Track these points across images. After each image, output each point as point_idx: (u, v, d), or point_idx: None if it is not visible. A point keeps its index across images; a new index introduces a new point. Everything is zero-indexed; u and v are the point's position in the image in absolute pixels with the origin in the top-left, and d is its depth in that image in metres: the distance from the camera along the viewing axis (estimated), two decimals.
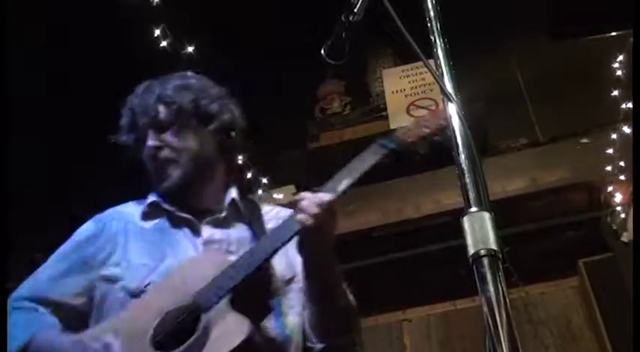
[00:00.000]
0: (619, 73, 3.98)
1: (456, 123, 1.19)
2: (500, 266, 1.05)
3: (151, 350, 1.61)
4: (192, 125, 1.93)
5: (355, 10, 1.52)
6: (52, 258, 1.90)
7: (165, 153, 1.90)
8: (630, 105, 3.95)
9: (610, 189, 4.31)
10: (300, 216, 1.67)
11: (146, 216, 1.93)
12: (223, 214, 1.92)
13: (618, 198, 4.27)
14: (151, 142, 1.90)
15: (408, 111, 4.81)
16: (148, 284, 1.76)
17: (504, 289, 1.02)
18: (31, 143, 4.40)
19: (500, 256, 1.05)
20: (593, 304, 4.32)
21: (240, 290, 1.66)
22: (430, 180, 4.59)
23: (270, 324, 1.75)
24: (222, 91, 2.06)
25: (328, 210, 1.68)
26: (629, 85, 3.93)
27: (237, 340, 1.57)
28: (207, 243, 1.86)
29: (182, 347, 1.59)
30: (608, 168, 4.21)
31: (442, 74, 1.28)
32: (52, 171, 4.62)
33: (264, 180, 4.08)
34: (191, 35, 3.41)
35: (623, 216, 4.20)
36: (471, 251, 1.06)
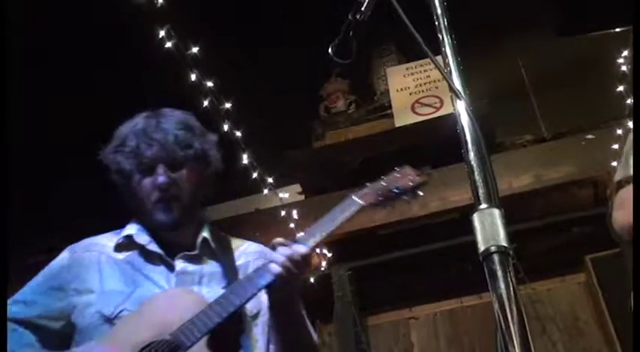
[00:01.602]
0: (624, 68, 3.97)
1: (464, 120, 1.19)
2: (511, 263, 1.05)
3: None
4: (197, 169, 2.07)
5: (362, 9, 1.52)
6: (28, 285, 1.99)
7: (174, 190, 2.02)
8: None
9: None
10: (273, 267, 1.80)
11: (119, 247, 2.04)
12: (195, 251, 2.04)
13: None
14: (163, 178, 2.00)
15: (412, 109, 4.81)
16: (122, 311, 1.87)
17: (515, 285, 1.03)
18: (32, 145, 4.41)
19: (511, 253, 1.05)
20: (600, 300, 4.31)
21: (216, 330, 1.77)
22: (436, 178, 4.58)
23: None
24: (214, 137, 2.21)
25: (300, 263, 1.82)
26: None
27: None
28: (180, 274, 1.98)
29: None
30: (614, 163, 4.20)
31: (450, 71, 1.28)
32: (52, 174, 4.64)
33: (270, 180, 4.08)
34: (196, 36, 3.41)
35: None
36: (482, 248, 1.06)
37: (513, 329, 0.98)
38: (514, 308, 1.00)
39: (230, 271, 2.01)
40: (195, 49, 3.37)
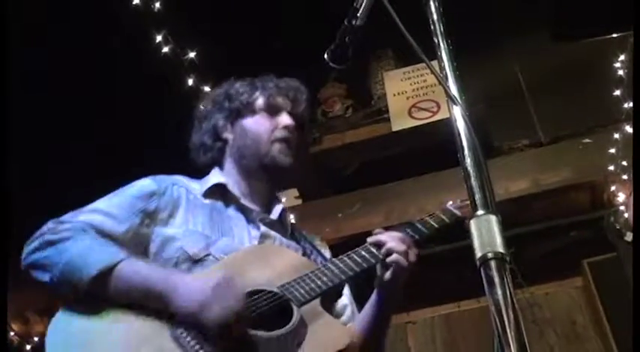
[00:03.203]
0: (621, 72, 3.98)
1: (461, 126, 1.19)
2: (508, 269, 1.05)
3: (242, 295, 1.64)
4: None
5: (358, 15, 1.52)
6: (112, 200, 1.87)
7: (294, 138, 2.03)
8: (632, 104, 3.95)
9: (613, 188, 4.31)
10: (385, 250, 1.82)
11: (208, 193, 1.98)
12: (275, 217, 2.02)
13: (621, 197, 4.26)
14: (290, 121, 2.03)
15: (409, 114, 4.81)
16: (207, 255, 1.80)
17: (512, 292, 1.02)
18: (33, 148, 4.40)
19: (508, 259, 1.05)
20: (597, 304, 4.31)
21: (327, 293, 1.79)
22: (433, 182, 4.59)
23: None
24: None
25: (413, 249, 1.85)
26: (630, 84, 3.93)
27: (341, 343, 1.68)
28: (264, 236, 1.94)
29: (282, 331, 1.63)
30: (611, 167, 4.21)
31: (446, 76, 1.27)
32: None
33: None
34: (192, 40, 3.41)
35: (626, 215, 4.20)
36: (478, 254, 1.05)
37: (510, 336, 0.98)
38: (511, 315, 1.00)
39: (303, 247, 2.02)
40: (192, 54, 3.37)
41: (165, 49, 3.30)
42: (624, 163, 4.13)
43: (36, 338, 5.24)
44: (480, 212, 1.09)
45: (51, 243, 1.69)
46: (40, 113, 4.41)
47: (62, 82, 4.38)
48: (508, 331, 0.98)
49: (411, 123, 4.78)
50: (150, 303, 1.62)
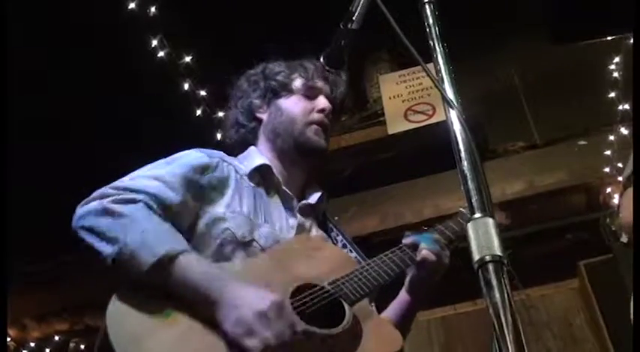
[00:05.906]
0: (616, 74, 4.00)
1: (457, 129, 1.18)
2: (505, 272, 1.05)
3: (295, 317, 1.54)
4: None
5: (354, 18, 1.52)
6: (166, 169, 1.77)
7: (329, 122, 2.03)
8: (627, 106, 3.97)
9: (608, 190, 4.32)
10: (425, 252, 1.87)
11: (254, 175, 1.93)
12: (313, 202, 2.01)
13: (617, 199, 4.27)
14: (327, 104, 2.01)
15: (405, 117, 4.82)
16: (253, 240, 1.76)
17: (510, 294, 1.02)
18: (35, 153, 4.40)
19: (505, 261, 1.05)
20: (594, 305, 4.32)
21: (371, 292, 1.78)
22: (429, 185, 4.59)
23: None
24: None
25: (446, 251, 1.91)
26: (625, 86, 3.94)
27: (398, 344, 1.67)
28: (300, 226, 1.92)
29: (339, 329, 1.58)
30: (607, 169, 4.22)
31: (442, 80, 1.27)
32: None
33: None
34: (188, 44, 3.41)
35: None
36: (476, 257, 1.05)
37: (509, 339, 0.98)
38: (509, 318, 1.00)
39: (335, 239, 2.01)
40: (188, 58, 3.37)
41: (161, 54, 3.29)
42: (620, 165, 4.14)
43: (32, 344, 5.23)
44: (477, 215, 1.09)
45: (112, 213, 1.59)
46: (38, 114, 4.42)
47: (58, 87, 4.38)
48: (506, 333, 0.98)
49: (407, 126, 4.79)
50: (199, 307, 1.52)
